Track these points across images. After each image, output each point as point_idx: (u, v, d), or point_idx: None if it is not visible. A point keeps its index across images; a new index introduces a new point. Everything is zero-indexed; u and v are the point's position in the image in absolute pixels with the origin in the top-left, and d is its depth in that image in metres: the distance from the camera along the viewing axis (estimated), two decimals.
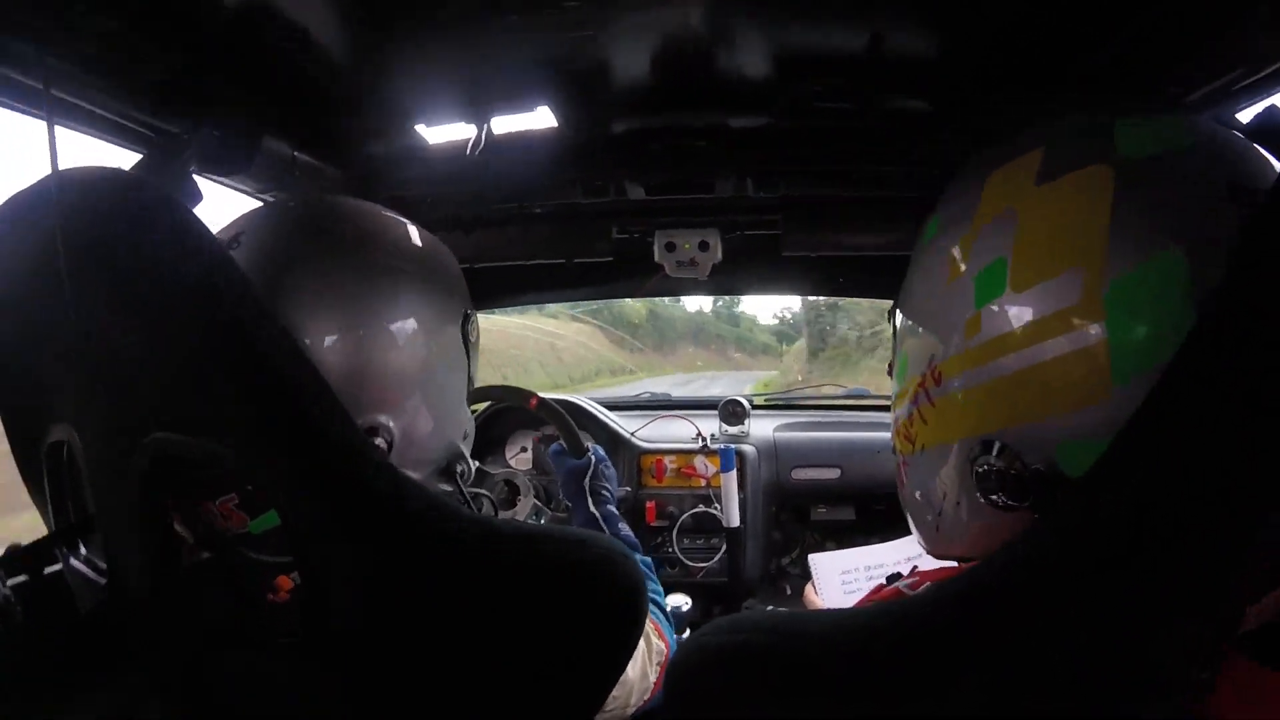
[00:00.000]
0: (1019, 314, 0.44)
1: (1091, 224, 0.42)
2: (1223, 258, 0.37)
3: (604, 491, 1.15)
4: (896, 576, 0.60)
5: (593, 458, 1.17)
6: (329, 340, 0.60)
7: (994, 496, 0.46)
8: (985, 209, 0.48)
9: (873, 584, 1.02)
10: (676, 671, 0.44)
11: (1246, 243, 0.32)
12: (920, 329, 0.54)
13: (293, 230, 0.64)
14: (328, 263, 0.62)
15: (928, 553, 0.59)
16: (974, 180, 0.51)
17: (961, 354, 0.48)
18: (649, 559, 1.05)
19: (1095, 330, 0.41)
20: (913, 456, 0.55)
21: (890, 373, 0.62)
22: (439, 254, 0.73)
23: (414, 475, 0.68)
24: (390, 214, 0.70)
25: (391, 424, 0.64)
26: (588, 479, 1.15)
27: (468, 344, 0.74)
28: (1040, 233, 0.45)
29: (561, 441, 1.21)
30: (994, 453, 0.46)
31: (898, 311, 0.60)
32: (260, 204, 0.90)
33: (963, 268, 0.49)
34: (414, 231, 0.71)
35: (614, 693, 0.75)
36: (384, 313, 0.63)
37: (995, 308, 0.46)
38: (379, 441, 0.63)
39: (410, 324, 0.65)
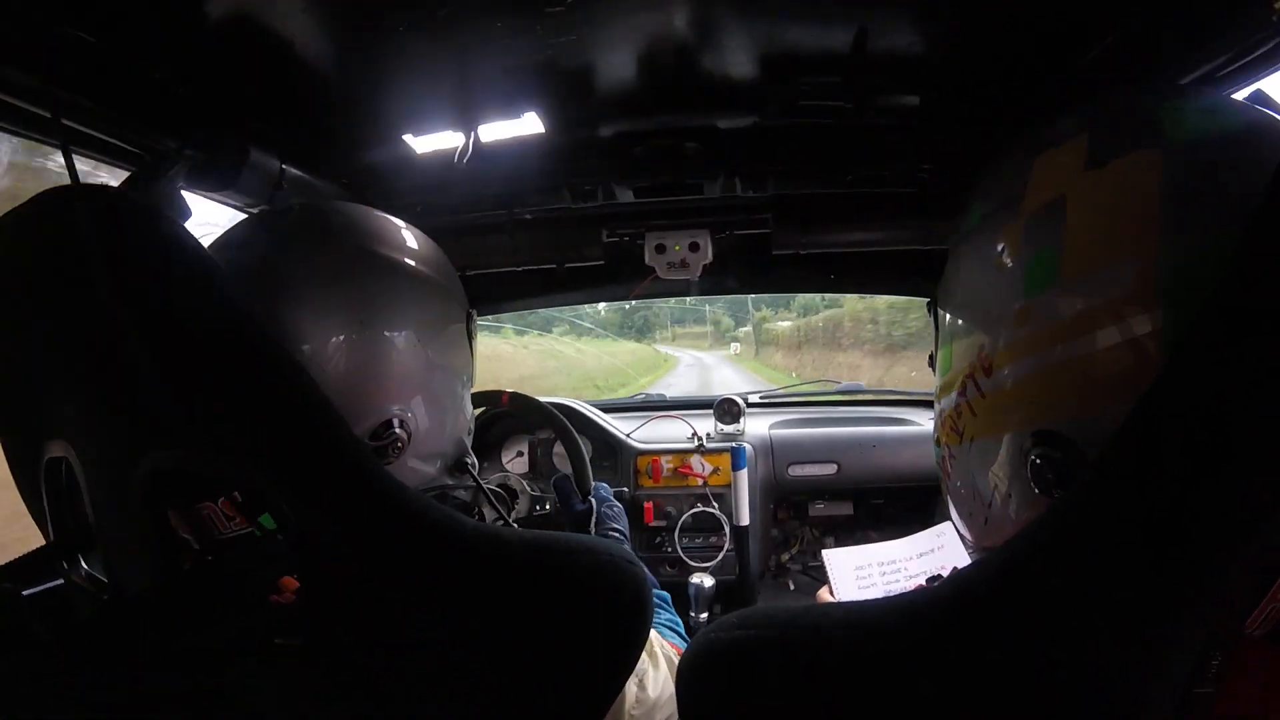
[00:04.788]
0: (1071, 303, 0.43)
1: (1143, 212, 0.41)
2: None
3: (613, 535, 1.13)
4: (937, 579, 0.59)
5: (594, 502, 1.15)
6: (339, 341, 0.61)
7: (1051, 490, 0.44)
8: (1032, 196, 0.47)
9: (886, 580, 1.02)
10: (687, 668, 0.44)
11: (1252, 232, 0.32)
12: (966, 320, 0.53)
13: (294, 235, 0.65)
14: (333, 266, 0.63)
15: (972, 546, 0.57)
16: (1018, 166, 0.49)
17: (1012, 344, 0.47)
18: (665, 593, 1.06)
19: (1148, 320, 0.40)
20: (960, 448, 0.54)
21: (931, 365, 0.61)
22: (437, 253, 0.74)
23: (428, 470, 0.72)
24: (387, 216, 0.72)
25: (409, 416, 0.66)
26: (592, 526, 1.13)
27: (471, 340, 0.76)
28: (1091, 220, 0.44)
29: (569, 475, 1.19)
30: (1050, 444, 0.44)
31: (939, 303, 0.59)
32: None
33: (1010, 257, 0.48)
34: (411, 231, 0.72)
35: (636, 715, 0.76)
36: (395, 312, 0.65)
37: (1046, 297, 0.45)
38: (399, 433, 0.65)
39: (419, 320, 0.67)
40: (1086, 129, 0.47)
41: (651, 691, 0.77)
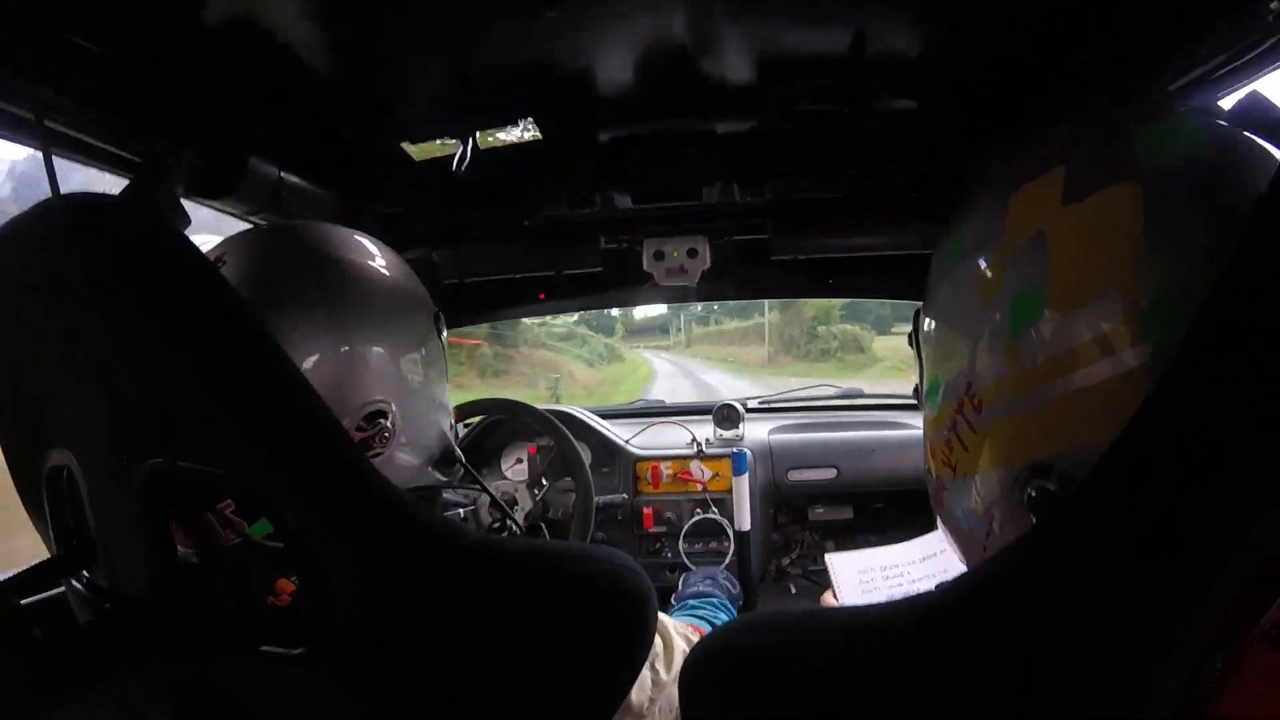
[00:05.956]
0: (1059, 340, 0.43)
1: (1123, 245, 0.41)
2: None
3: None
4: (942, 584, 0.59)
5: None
6: (315, 356, 0.66)
7: None
8: (1012, 233, 0.47)
9: (889, 584, 1.02)
10: (689, 674, 0.44)
11: (1243, 246, 0.32)
12: (951, 355, 0.52)
13: (271, 253, 0.70)
14: (307, 281, 0.68)
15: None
16: (996, 201, 0.49)
17: (1001, 381, 0.47)
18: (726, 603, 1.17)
19: (1137, 353, 0.40)
20: (952, 481, 0.53)
21: (917, 396, 0.60)
22: (400, 260, 0.80)
23: (414, 461, 0.77)
24: (349, 230, 0.76)
25: (392, 408, 0.71)
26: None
27: (441, 338, 0.81)
28: (1073, 256, 0.44)
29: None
30: (1045, 477, 0.44)
31: (922, 335, 0.58)
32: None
33: (994, 294, 0.47)
34: (372, 241, 0.77)
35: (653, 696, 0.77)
36: (367, 316, 0.71)
37: (1033, 334, 0.44)
38: (384, 424, 0.70)
39: (391, 324, 0.73)
40: (1062, 160, 0.46)
41: (665, 673, 0.78)
